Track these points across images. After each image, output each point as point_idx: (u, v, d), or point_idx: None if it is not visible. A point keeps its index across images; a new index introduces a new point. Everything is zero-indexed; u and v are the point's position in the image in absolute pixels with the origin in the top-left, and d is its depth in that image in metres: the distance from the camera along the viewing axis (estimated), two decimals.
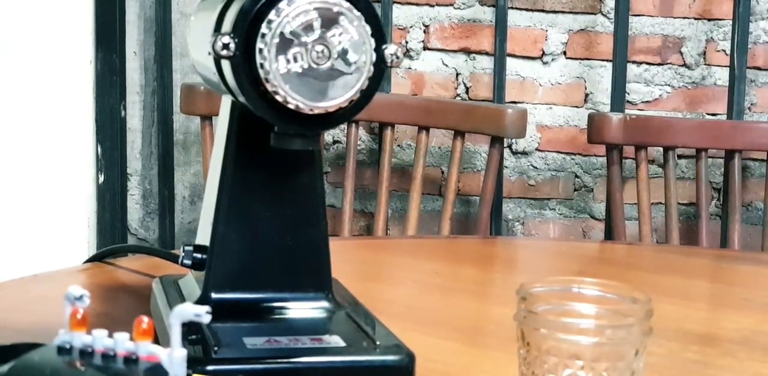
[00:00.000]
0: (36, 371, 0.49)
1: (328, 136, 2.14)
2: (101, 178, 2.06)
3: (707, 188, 1.76)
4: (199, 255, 0.77)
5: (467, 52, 2.11)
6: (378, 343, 0.71)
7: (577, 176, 2.15)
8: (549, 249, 1.38)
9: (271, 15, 0.65)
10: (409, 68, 2.13)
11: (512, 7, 2.07)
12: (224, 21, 0.68)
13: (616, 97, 2.01)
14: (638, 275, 1.17)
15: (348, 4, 0.66)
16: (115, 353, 0.49)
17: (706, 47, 2.09)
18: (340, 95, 0.66)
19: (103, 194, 2.06)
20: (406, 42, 2.12)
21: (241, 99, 0.68)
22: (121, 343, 0.49)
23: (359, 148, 2.10)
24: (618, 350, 0.63)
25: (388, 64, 0.68)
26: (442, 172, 2.14)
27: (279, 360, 0.68)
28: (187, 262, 0.78)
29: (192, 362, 0.50)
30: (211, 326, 0.70)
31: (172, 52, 2.10)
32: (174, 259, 0.91)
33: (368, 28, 0.67)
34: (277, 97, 0.65)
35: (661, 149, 1.79)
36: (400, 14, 2.10)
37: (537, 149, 2.14)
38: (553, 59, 2.11)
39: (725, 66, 2.05)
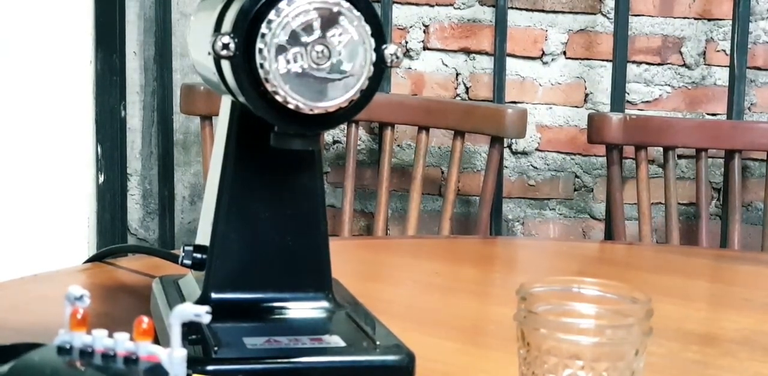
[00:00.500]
0: (36, 371, 0.49)
1: (328, 136, 2.14)
2: (101, 178, 2.06)
3: (707, 188, 1.76)
4: (199, 255, 0.77)
5: (467, 52, 2.11)
6: (378, 343, 0.71)
7: (577, 176, 2.15)
8: (549, 249, 1.38)
9: (271, 15, 0.65)
10: (409, 68, 2.13)
11: (512, 7, 2.07)
12: (224, 21, 0.68)
13: (616, 97, 2.01)
14: (638, 275, 1.17)
15: (348, 4, 0.66)
16: (115, 353, 0.49)
17: (706, 47, 2.09)
18: (340, 95, 0.66)
19: (103, 194, 2.06)
20: (406, 42, 2.12)
21: (241, 99, 0.68)
22: (121, 343, 0.49)
23: (359, 148, 2.10)
24: (618, 350, 0.63)
25: (388, 64, 0.68)
26: (442, 172, 2.14)
27: (279, 360, 0.68)
28: (187, 262, 0.78)
29: (192, 362, 0.50)
30: (211, 326, 0.70)
31: (172, 52, 2.11)
32: (174, 259, 0.91)
33: (368, 28, 0.67)
34: (277, 98, 0.65)
35: (661, 149, 1.79)
36: (400, 14, 2.10)
37: (537, 149, 2.14)
38: (553, 59, 2.11)
39: (725, 66, 2.05)
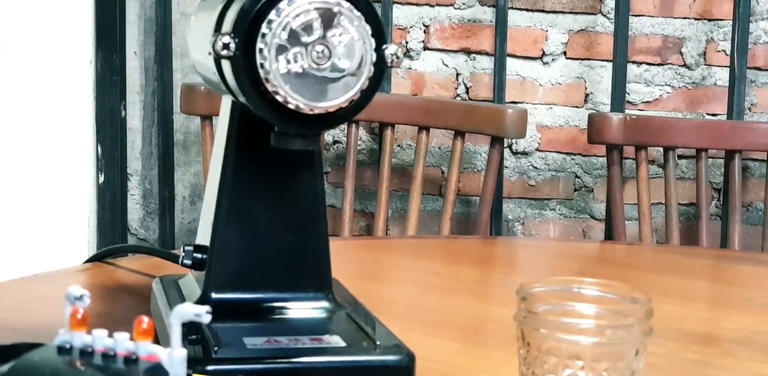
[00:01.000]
0: (36, 371, 0.49)
1: (328, 136, 2.14)
2: (101, 178, 2.06)
3: (707, 188, 1.76)
4: (199, 255, 0.77)
5: (467, 52, 2.11)
6: (378, 343, 0.71)
7: (577, 176, 2.15)
8: (549, 249, 1.38)
9: (272, 15, 0.65)
10: (410, 68, 2.13)
11: (512, 8, 2.07)
12: (224, 21, 0.68)
13: (616, 98, 2.01)
14: (638, 275, 1.17)
15: (348, 4, 0.66)
16: (115, 353, 0.49)
17: (706, 47, 2.09)
18: (340, 95, 0.66)
19: (103, 194, 2.06)
20: (407, 42, 2.12)
21: (242, 99, 0.68)
22: (121, 343, 0.49)
23: (359, 148, 2.10)
24: (618, 350, 0.63)
25: (388, 65, 0.68)
26: (442, 173, 2.14)
27: (279, 360, 0.68)
28: (187, 262, 0.78)
29: (192, 362, 0.50)
30: (211, 326, 0.70)
31: (172, 52, 2.11)
32: (174, 259, 0.91)
33: (368, 28, 0.67)
34: (278, 98, 0.65)
35: (661, 149, 1.79)
36: (400, 14, 2.10)
37: (537, 149, 2.14)
38: (553, 59, 2.11)
39: (725, 66, 2.05)
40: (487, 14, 2.10)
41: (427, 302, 1.00)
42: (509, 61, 2.08)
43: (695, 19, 2.08)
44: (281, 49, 0.65)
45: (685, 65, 2.10)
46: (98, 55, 2.03)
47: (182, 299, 0.78)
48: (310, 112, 0.66)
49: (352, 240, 1.62)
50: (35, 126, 1.96)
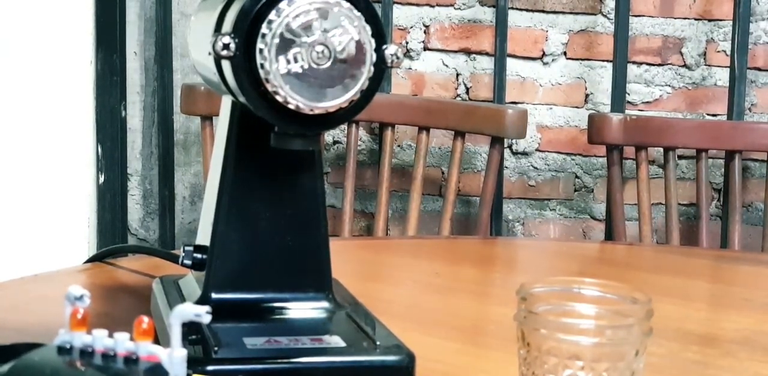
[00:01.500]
0: (36, 371, 0.49)
1: (329, 136, 2.14)
2: (101, 178, 2.06)
3: (707, 188, 1.76)
4: (199, 255, 0.77)
5: (467, 52, 2.11)
6: (378, 343, 0.71)
7: (577, 177, 2.15)
8: (549, 249, 1.38)
9: (272, 15, 0.65)
10: (410, 68, 2.13)
11: (512, 8, 2.07)
12: (224, 21, 0.68)
13: (616, 98, 2.01)
14: (638, 275, 1.17)
15: (348, 4, 0.66)
16: (115, 353, 0.49)
17: (706, 48, 2.09)
18: (340, 96, 0.66)
19: (103, 194, 2.06)
20: (407, 42, 2.12)
21: (242, 99, 0.68)
22: (122, 343, 0.49)
23: (359, 148, 2.10)
24: (618, 350, 0.63)
25: (389, 65, 0.68)
26: (443, 173, 2.14)
27: (279, 360, 0.68)
28: (188, 262, 0.78)
29: (192, 362, 0.50)
30: (211, 326, 0.70)
31: (172, 52, 2.11)
32: (174, 259, 0.91)
33: (368, 29, 0.67)
34: (278, 98, 0.65)
35: (661, 150, 1.79)
36: (400, 14, 2.10)
37: (537, 150, 2.14)
38: (553, 60, 2.11)
39: (725, 67, 2.05)
40: (487, 14, 2.10)
41: (427, 302, 1.00)
42: (509, 61, 2.08)
43: (695, 19, 2.08)
44: (281, 50, 0.65)
45: (685, 65, 2.10)
46: (98, 56, 2.03)
47: (182, 299, 0.78)
48: (310, 113, 0.66)
49: (352, 240, 1.62)
50: (35, 126, 1.96)
